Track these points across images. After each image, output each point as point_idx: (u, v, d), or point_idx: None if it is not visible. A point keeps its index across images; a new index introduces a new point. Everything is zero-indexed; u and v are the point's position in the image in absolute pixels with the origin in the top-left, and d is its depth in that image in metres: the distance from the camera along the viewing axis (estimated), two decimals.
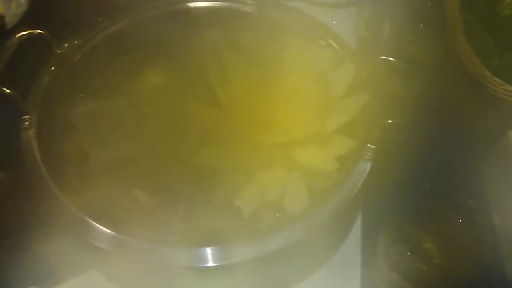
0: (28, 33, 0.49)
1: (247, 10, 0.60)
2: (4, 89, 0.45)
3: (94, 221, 0.42)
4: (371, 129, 0.46)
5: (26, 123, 0.47)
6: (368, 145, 0.45)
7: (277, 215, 0.46)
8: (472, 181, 0.51)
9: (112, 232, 0.41)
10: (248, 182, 0.47)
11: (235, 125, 0.50)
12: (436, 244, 0.48)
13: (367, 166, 0.45)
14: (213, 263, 0.40)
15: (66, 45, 0.54)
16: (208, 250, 0.40)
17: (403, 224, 0.47)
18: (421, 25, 0.58)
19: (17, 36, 0.48)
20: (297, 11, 0.59)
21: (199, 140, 0.49)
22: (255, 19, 0.59)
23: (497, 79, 0.53)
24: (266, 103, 0.51)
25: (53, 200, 0.43)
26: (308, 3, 0.69)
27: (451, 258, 0.47)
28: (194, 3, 0.61)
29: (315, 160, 0.48)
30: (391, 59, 0.47)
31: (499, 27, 0.59)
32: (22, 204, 0.50)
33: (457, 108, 0.57)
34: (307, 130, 0.48)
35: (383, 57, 0.48)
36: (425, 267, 0.45)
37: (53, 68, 0.52)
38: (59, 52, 0.53)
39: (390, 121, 0.45)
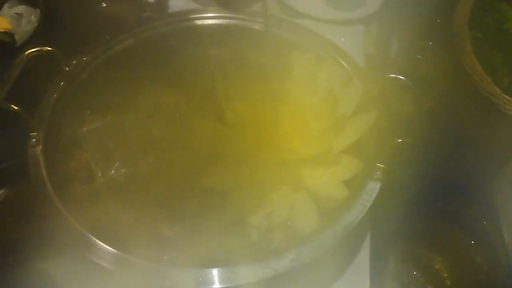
0: (37, 50, 0.49)
1: (255, 27, 0.60)
2: (12, 105, 0.45)
3: (99, 239, 0.41)
4: (381, 148, 0.46)
5: (33, 139, 0.47)
6: (377, 164, 0.45)
7: (285, 235, 0.46)
8: (484, 201, 0.50)
9: (116, 251, 0.40)
10: (255, 203, 0.46)
11: (242, 143, 0.50)
12: (446, 265, 0.46)
13: (377, 186, 0.44)
14: (220, 285, 0.39)
15: (75, 62, 0.54)
16: (215, 272, 0.39)
17: (414, 245, 0.46)
18: (430, 43, 0.58)
19: (26, 53, 0.48)
20: (305, 28, 0.59)
21: (206, 159, 0.49)
22: (263, 37, 0.59)
23: (507, 97, 0.52)
24: (273, 121, 0.51)
25: (58, 218, 0.43)
26: (316, 21, 0.69)
27: (463, 279, 0.46)
28: (202, 21, 0.61)
29: (323, 186, 0.47)
30: (401, 77, 0.46)
31: (508, 44, 0.59)
32: (27, 220, 0.49)
33: (467, 126, 0.56)
34: (314, 149, 0.48)
35: (392, 75, 0.47)
36: None
37: (61, 85, 0.52)
38: (67, 69, 0.53)
39: (400, 140, 0.44)
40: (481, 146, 0.54)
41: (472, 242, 0.45)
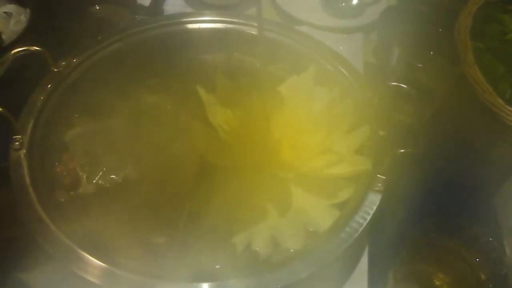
0: (24, 49, 0.47)
1: (252, 32, 0.58)
2: None
3: (84, 251, 0.39)
4: (382, 159, 0.44)
5: (17, 143, 0.45)
6: (378, 175, 0.43)
7: (273, 252, 0.44)
8: (490, 215, 0.48)
9: (103, 264, 0.38)
10: (241, 219, 0.44)
11: (233, 153, 0.48)
12: (449, 283, 0.45)
13: (377, 198, 0.42)
14: None
15: (63, 63, 0.52)
16: (205, 287, 0.37)
17: (415, 261, 0.44)
18: (431, 52, 0.56)
19: (12, 52, 0.46)
20: (304, 34, 0.58)
21: (196, 167, 0.47)
22: (258, 42, 0.57)
23: (510, 108, 0.51)
24: (266, 133, 0.49)
25: (41, 227, 0.40)
26: (314, 28, 0.68)
27: None
28: (198, 24, 0.59)
29: (310, 209, 0.46)
30: (403, 85, 0.45)
31: (510, 55, 0.58)
32: (8, 228, 0.47)
33: (469, 137, 0.54)
34: (306, 165, 0.46)
35: (394, 83, 0.45)
36: None
37: (48, 86, 0.50)
38: (55, 70, 0.51)
39: (401, 150, 0.43)
40: (484, 157, 0.53)
41: (478, 260, 0.43)
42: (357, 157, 0.47)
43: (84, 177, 0.47)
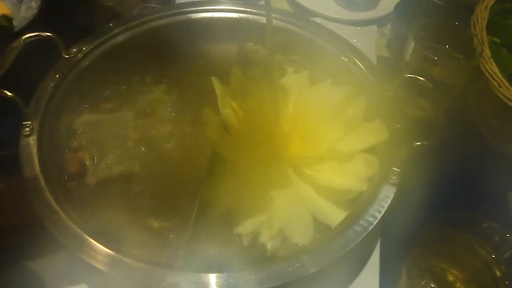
0: (35, 35, 0.47)
1: (264, 22, 0.57)
2: (6, 92, 0.42)
3: (93, 238, 0.38)
4: (397, 151, 0.43)
5: (27, 129, 0.45)
6: (393, 168, 0.42)
7: (281, 245, 0.43)
8: (504, 211, 0.47)
9: (111, 252, 0.37)
10: (249, 212, 0.44)
11: (243, 146, 0.47)
12: (463, 279, 0.44)
13: (392, 191, 0.41)
14: None
15: (75, 50, 0.51)
16: (212, 277, 0.36)
17: (429, 256, 0.43)
18: (447, 46, 0.55)
19: (23, 37, 0.46)
20: (319, 25, 0.57)
21: (205, 160, 0.46)
22: (273, 33, 0.56)
23: None
24: (278, 126, 0.48)
25: (49, 213, 0.40)
26: (327, 20, 0.67)
27: None
28: (211, 13, 0.58)
29: (323, 204, 0.45)
30: (420, 78, 0.44)
31: None
32: (17, 216, 0.46)
33: (484, 131, 0.53)
34: (317, 170, 0.45)
35: (410, 75, 0.44)
36: None
37: (59, 73, 0.50)
38: (66, 56, 0.51)
39: (418, 143, 0.42)
40: (499, 151, 0.52)
41: (493, 256, 0.42)
42: (367, 157, 0.46)
43: (92, 165, 0.47)
